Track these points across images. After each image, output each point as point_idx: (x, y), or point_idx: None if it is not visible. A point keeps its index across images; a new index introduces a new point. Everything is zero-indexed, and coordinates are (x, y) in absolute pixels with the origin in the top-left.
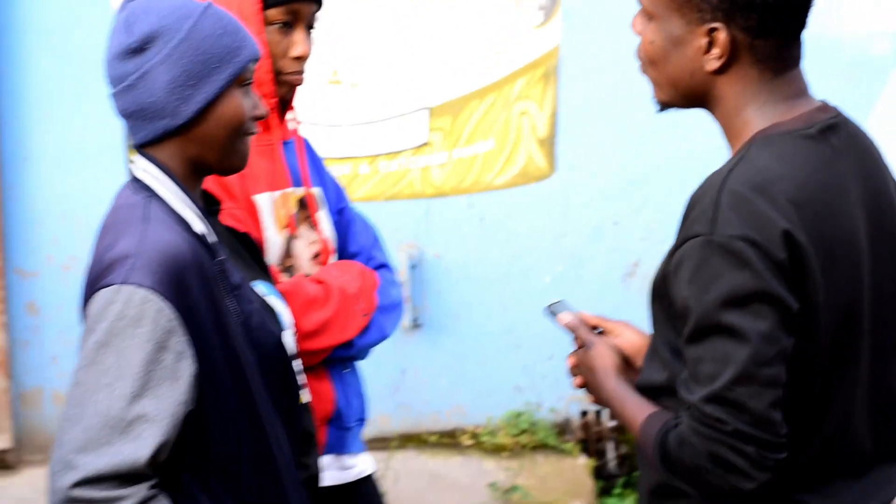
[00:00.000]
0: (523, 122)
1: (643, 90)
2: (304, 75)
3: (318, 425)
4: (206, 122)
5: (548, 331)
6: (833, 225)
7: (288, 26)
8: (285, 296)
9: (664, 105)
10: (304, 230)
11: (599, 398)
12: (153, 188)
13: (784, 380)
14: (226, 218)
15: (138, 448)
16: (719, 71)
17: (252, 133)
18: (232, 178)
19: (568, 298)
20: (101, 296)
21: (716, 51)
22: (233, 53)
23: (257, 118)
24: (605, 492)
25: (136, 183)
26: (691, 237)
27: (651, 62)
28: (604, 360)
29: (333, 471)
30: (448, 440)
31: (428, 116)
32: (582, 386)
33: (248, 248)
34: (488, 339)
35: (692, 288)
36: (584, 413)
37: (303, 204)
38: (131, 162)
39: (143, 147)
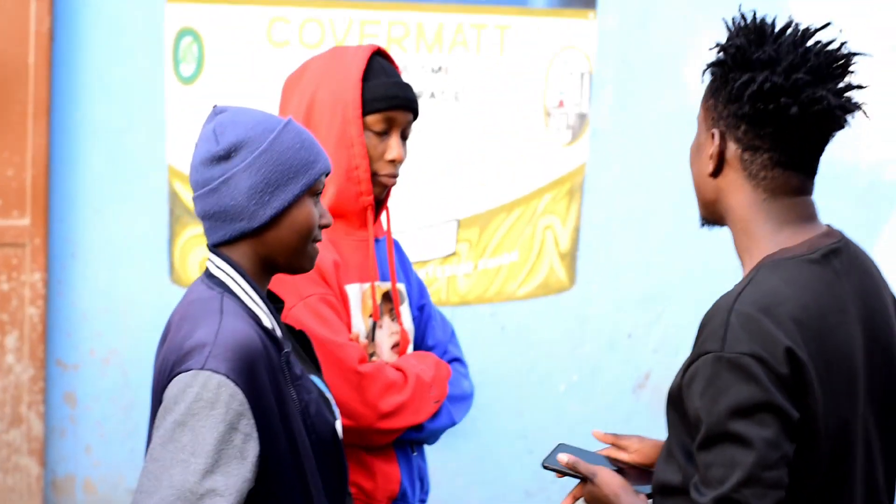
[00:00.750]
0: (547, 236)
1: (662, 209)
2: (398, 178)
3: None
4: (280, 227)
5: (560, 437)
6: (832, 342)
7: (385, 133)
8: (368, 378)
9: (702, 219)
10: (386, 321)
11: None
12: (227, 284)
13: (786, 482)
14: (318, 303)
15: None
16: (714, 174)
17: (318, 240)
18: (329, 268)
19: (582, 406)
20: (180, 380)
21: (712, 153)
22: (308, 166)
23: (324, 226)
24: None
25: (211, 279)
26: (704, 353)
27: (691, 168)
28: (611, 485)
29: None
30: None
31: (456, 228)
32: None
33: (303, 346)
34: (502, 443)
35: (704, 399)
36: None
37: (388, 297)
38: (208, 260)
39: (217, 246)
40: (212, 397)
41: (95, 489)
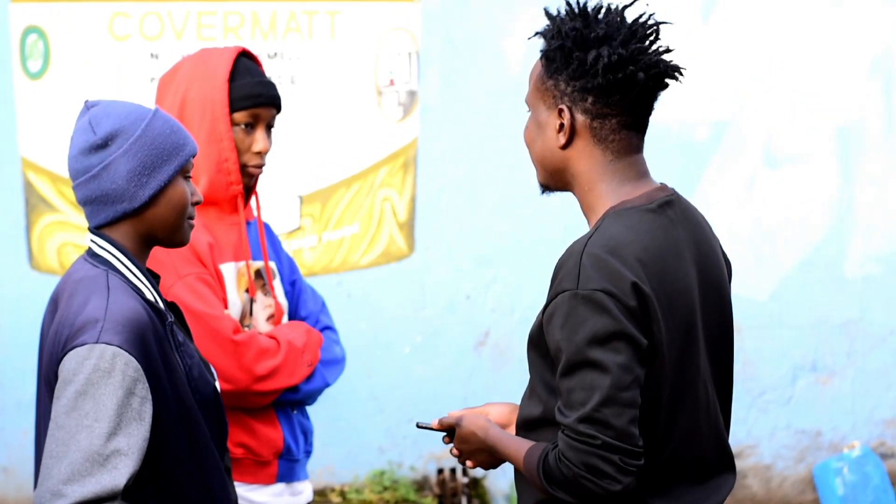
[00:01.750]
0: (385, 208)
1: (491, 178)
2: (264, 167)
3: (270, 460)
4: (158, 206)
5: (408, 397)
6: (671, 280)
7: (250, 127)
8: (243, 346)
9: (543, 187)
10: (261, 296)
11: (487, 457)
12: (111, 262)
13: (639, 402)
14: (196, 281)
15: (115, 477)
16: (566, 146)
17: (192, 216)
18: (204, 249)
19: (426, 366)
20: (77, 353)
21: (563, 127)
22: (179, 149)
23: (196, 203)
24: None
25: (95, 258)
26: (561, 292)
27: (528, 147)
28: (476, 423)
29: (286, 497)
30: (319, 499)
31: (299, 203)
32: (473, 461)
33: (177, 315)
34: (355, 404)
35: (564, 332)
36: (441, 471)
37: (260, 274)
38: (90, 241)
39: (99, 228)
40: (108, 367)
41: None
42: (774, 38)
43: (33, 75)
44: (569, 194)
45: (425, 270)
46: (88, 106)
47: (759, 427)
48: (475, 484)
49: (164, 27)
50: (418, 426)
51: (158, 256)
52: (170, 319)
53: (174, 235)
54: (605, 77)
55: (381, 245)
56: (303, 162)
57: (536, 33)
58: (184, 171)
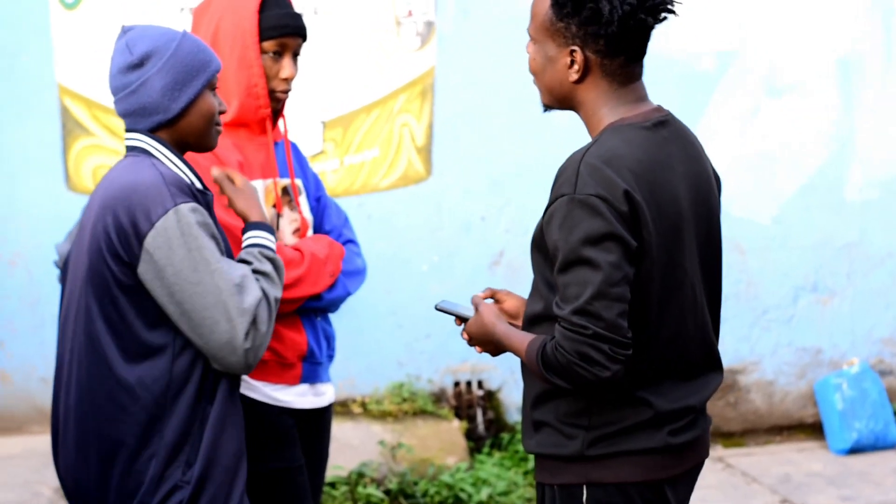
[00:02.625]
0: (404, 133)
1: (504, 105)
2: (290, 93)
3: (295, 362)
4: (189, 116)
5: (426, 313)
6: (661, 190)
7: (278, 55)
8: None
9: (546, 107)
10: (287, 211)
11: (495, 347)
12: (149, 151)
13: (628, 298)
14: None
15: (255, 290)
16: (578, 81)
17: (220, 123)
18: (234, 167)
19: (443, 284)
20: (165, 223)
21: (575, 66)
22: (206, 65)
23: (222, 112)
24: (476, 450)
25: (133, 151)
26: (559, 196)
27: (535, 74)
28: (488, 318)
29: (310, 396)
30: (340, 408)
31: (322, 128)
32: (481, 348)
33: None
34: (375, 320)
35: (561, 232)
36: (457, 384)
37: (287, 191)
38: (126, 140)
39: None
40: (193, 220)
41: (11, 379)
42: None
43: (69, 6)
44: (578, 121)
45: (442, 193)
46: (125, 30)
47: (762, 344)
48: (490, 396)
49: None
50: (437, 308)
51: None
52: (209, 197)
53: (204, 141)
54: (618, 25)
55: (400, 168)
56: (325, 89)
57: None
58: (211, 85)
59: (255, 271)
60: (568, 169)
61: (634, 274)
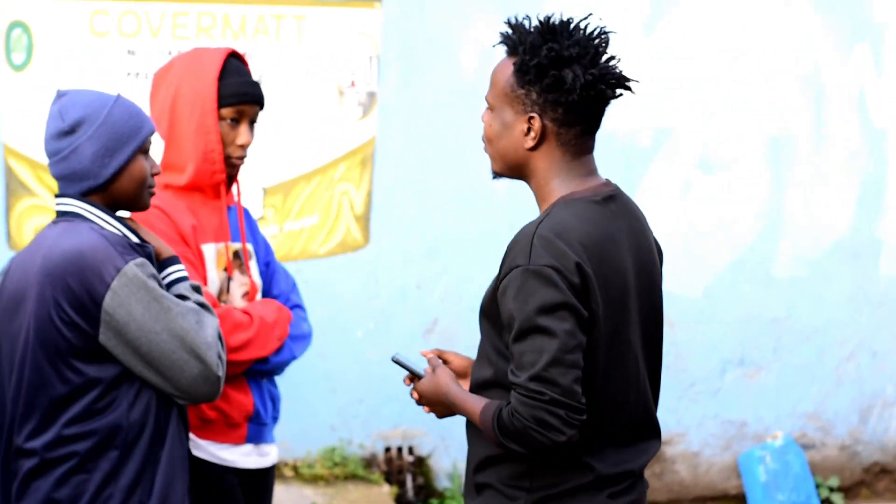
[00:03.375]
0: (343, 201)
1: (443, 175)
2: (245, 159)
3: (240, 423)
4: (120, 181)
5: (360, 378)
6: (609, 263)
7: (235, 122)
8: (219, 319)
9: (496, 174)
10: (237, 274)
11: (443, 409)
12: (80, 214)
13: (582, 364)
14: (182, 260)
15: (210, 321)
16: (534, 148)
17: (152, 185)
18: (188, 231)
19: (378, 350)
20: (119, 282)
21: (532, 133)
22: (136, 131)
23: (155, 174)
24: None
25: (63, 216)
26: (514, 267)
27: (489, 141)
28: (444, 377)
29: (254, 456)
30: None
31: (263, 195)
32: (430, 409)
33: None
34: (309, 384)
35: (516, 302)
36: (388, 449)
37: (238, 255)
38: (57, 205)
39: None
40: (144, 274)
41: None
42: (713, 52)
43: (17, 67)
44: (516, 192)
45: (379, 260)
46: (60, 94)
47: (689, 416)
48: (420, 462)
49: (141, 25)
50: (393, 360)
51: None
52: (149, 248)
53: (136, 203)
54: (580, 94)
55: (339, 236)
56: (268, 156)
57: (502, 42)
58: (143, 149)
59: (197, 303)
60: (521, 241)
61: (585, 343)
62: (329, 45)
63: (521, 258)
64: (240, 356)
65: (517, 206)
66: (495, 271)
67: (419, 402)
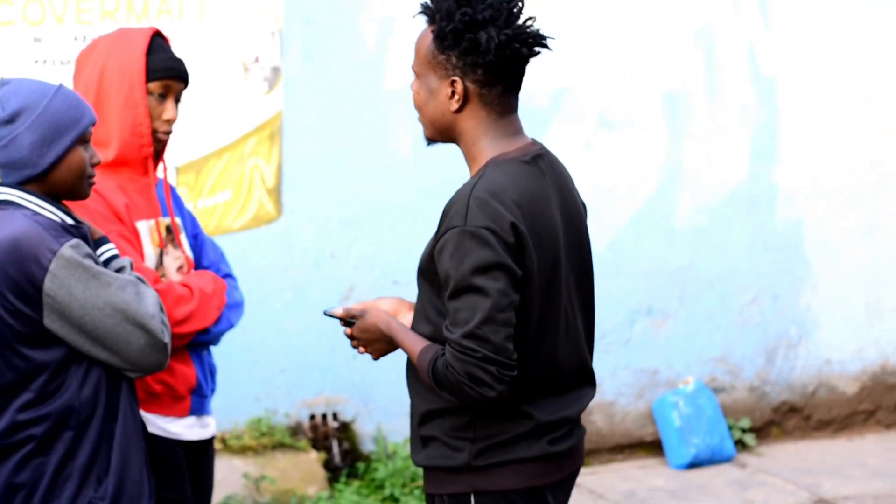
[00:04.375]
0: (255, 175)
1: (351, 146)
2: (171, 134)
3: (185, 395)
4: (59, 170)
5: (281, 349)
6: (541, 220)
7: (162, 97)
8: (161, 294)
9: (430, 140)
10: (170, 249)
11: (384, 346)
12: (14, 202)
13: (514, 322)
14: (117, 237)
15: (148, 292)
16: (458, 111)
17: (92, 175)
18: (121, 209)
19: (296, 320)
20: (56, 264)
21: (456, 96)
22: (76, 122)
23: (94, 164)
24: (333, 480)
25: (3, 203)
26: (451, 228)
27: (419, 108)
28: (378, 316)
29: (196, 428)
30: None
31: (176, 173)
32: (370, 349)
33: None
34: (231, 357)
35: (452, 262)
36: (313, 416)
37: (169, 230)
38: None
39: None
40: (79, 254)
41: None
42: (609, 12)
43: None
44: (424, 160)
45: (292, 232)
46: (2, 84)
47: (602, 367)
48: (345, 428)
49: (45, 13)
50: (325, 314)
51: (80, 215)
52: (84, 229)
53: (75, 193)
54: (495, 55)
55: (252, 210)
56: (178, 135)
57: (421, 12)
58: (82, 140)
59: (135, 277)
60: (458, 202)
61: (522, 302)
62: (231, 23)
63: (457, 219)
64: (184, 328)
65: (426, 174)
66: (407, 237)
67: (356, 345)
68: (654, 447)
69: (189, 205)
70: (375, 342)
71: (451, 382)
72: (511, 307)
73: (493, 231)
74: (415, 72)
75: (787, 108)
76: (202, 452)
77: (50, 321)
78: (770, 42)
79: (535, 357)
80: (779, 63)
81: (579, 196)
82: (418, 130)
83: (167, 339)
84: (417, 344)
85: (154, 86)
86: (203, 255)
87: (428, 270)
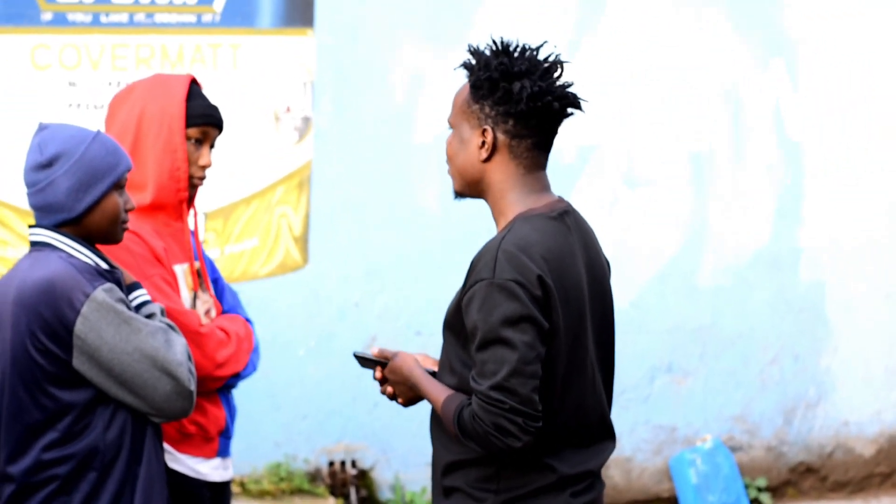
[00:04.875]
0: (282, 223)
1: (379, 196)
2: (204, 181)
3: (214, 436)
4: (93, 215)
5: (302, 395)
6: (568, 276)
7: (199, 143)
8: (206, 338)
9: (458, 194)
10: (200, 292)
11: (409, 392)
12: (52, 244)
13: (540, 374)
14: (160, 281)
15: (178, 340)
16: (487, 160)
17: (126, 220)
18: (161, 253)
19: (319, 368)
20: (88, 307)
21: (486, 144)
22: (112, 168)
23: (129, 210)
24: None
25: (39, 245)
26: (479, 280)
27: (450, 159)
28: (406, 362)
29: (221, 470)
30: None
31: (204, 219)
32: (397, 393)
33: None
34: (254, 401)
35: (480, 314)
36: (332, 463)
37: (198, 273)
38: (30, 236)
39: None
40: (112, 298)
41: None
42: (636, 70)
43: None
44: (450, 212)
45: (318, 280)
46: (41, 128)
47: (621, 423)
48: (363, 475)
49: (81, 58)
50: (355, 355)
51: (124, 258)
52: (118, 274)
53: (108, 237)
54: (527, 104)
55: (279, 257)
56: (208, 181)
57: (462, 65)
58: (118, 186)
59: (165, 324)
60: (486, 255)
61: (545, 353)
62: (264, 73)
63: (485, 272)
64: (224, 371)
65: (451, 227)
66: (431, 289)
67: (383, 387)
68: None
69: (216, 251)
70: (402, 386)
71: (478, 433)
72: (537, 359)
73: (521, 284)
74: (450, 124)
75: (812, 171)
76: (222, 494)
77: (79, 363)
78: (797, 105)
79: (562, 410)
80: (805, 126)
81: (603, 253)
82: (445, 183)
83: (193, 386)
84: (441, 393)
85: (192, 132)
86: (223, 300)
87: (454, 323)
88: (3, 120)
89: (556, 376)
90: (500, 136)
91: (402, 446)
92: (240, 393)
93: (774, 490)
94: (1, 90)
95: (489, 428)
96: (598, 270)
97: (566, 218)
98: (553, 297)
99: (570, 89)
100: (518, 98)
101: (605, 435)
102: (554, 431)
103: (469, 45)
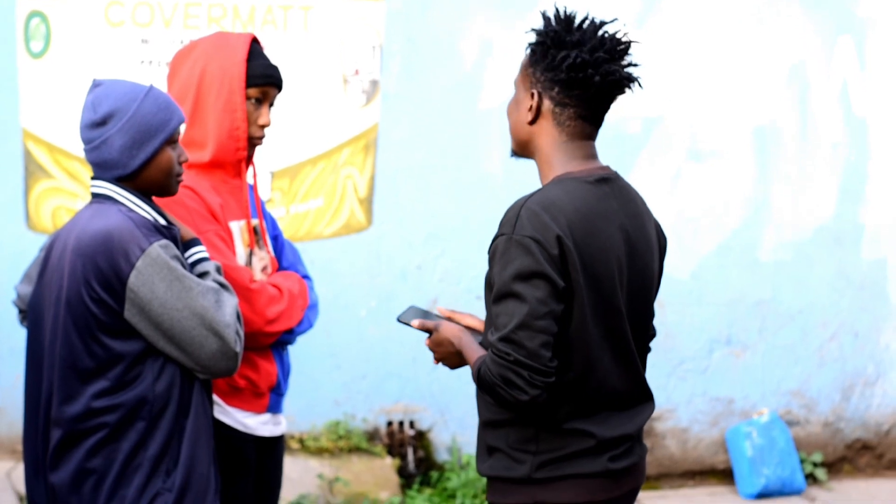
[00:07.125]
0: (347, 185)
1: (443, 161)
2: (264, 139)
3: (265, 392)
4: (148, 170)
5: (363, 355)
6: (596, 238)
7: (259, 102)
8: (256, 294)
9: (513, 152)
10: (257, 249)
11: (456, 359)
12: (112, 197)
13: (553, 331)
14: (214, 237)
15: (229, 300)
16: (532, 122)
17: (180, 173)
18: (217, 209)
19: (379, 328)
20: (143, 262)
21: (532, 107)
22: (165, 124)
23: (182, 162)
24: (406, 486)
25: (97, 198)
26: (500, 235)
27: (508, 117)
28: (451, 331)
29: (270, 425)
30: None
31: (271, 178)
32: (444, 361)
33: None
34: (315, 360)
35: (497, 267)
36: (390, 423)
37: (256, 230)
38: (91, 188)
39: None
40: (167, 255)
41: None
42: (704, 45)
43: (35, 55)
44: (512, 178)
45: (381, 242)
46: (95, 84)
47: (678, 394)
48: (420, 436)
49: (154, 16)
50: (399, 320)
51: (180, 213)
52: (175, 231)
53: (164, 190)
54: (567, 74)
55: (343, 218)
56: (275, 141)
57: (532, 29)
58: (171, 140)
59: (218, 283)
60: (510, 212)
61: (571, 316)
62: (334, 36)
63: (507, 227)
64: (273, 327)
65: (515, 193)
66: None
67: (434, 356)
68: (725, 475)
69: (282, 210)
70: (449, 356)
71: (488, 384)
72: (549, 316)
73: (538, 241)
74: (514, 85)
75: (878, 149)
76: (273, 449)
77: (130, 314)
78: (864, 83)
79: (594, 374)
80: (872, 104)
81: (655, 226)
82: (508, 150)
83: (238, 348)
84: (475, 353)
85: (252, 91)
86: (282, 257)
87: (490, 280)
88: (77, 75)
89: (590, 340)
90: (546, 102)
91: (460, 409)
92: (300, 352)
93: (830, 466)
94: (76, 46)
95: (496, 379)
96: (641, 241)
97: (605, 184)
98: (572, 257)
99: (625, 68)
100: (558, 66)
101: (643, 397)
102: (589, 395)
103: (542, 12)
